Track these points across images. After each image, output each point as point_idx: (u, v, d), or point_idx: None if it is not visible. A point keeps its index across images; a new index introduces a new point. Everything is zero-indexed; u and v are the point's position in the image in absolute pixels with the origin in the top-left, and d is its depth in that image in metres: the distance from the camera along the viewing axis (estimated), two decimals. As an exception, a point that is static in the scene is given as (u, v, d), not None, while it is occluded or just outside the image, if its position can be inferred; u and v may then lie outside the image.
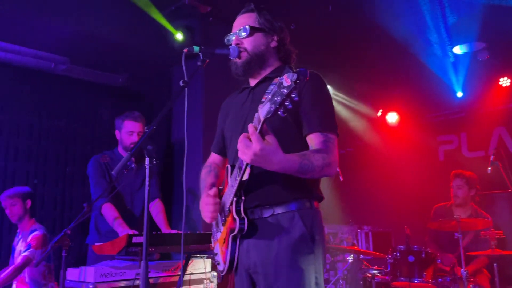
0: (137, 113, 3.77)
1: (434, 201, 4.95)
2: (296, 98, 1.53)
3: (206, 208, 2.05)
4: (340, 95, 6.39)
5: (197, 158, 4.65)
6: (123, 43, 4.48)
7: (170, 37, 4.43)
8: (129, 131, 3.73)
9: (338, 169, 4.35)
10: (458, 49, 5.51)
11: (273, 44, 2.14)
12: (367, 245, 6.15)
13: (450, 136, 6.89)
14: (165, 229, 3.70)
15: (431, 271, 4.00)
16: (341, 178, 4.46)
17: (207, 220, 2.07)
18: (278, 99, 1.54)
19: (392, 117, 7.01)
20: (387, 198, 6.57)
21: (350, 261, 4.64)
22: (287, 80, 1.51)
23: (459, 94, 6.34)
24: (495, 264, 3.99)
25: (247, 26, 2.10)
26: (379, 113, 7.03)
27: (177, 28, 4.38)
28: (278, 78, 1.56)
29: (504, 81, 6.08)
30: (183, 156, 4.76)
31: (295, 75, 1.50)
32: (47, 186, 4.88)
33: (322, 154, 1.85)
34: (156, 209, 3.84)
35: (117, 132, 3.82)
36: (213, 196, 2.04)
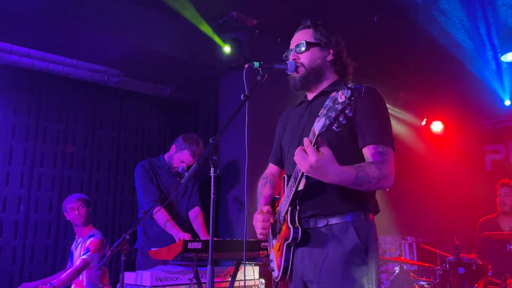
0: (199, 150, 3.95)
1: (480, 211, 4.86)
2: (350, 114, 1.57)
3: (257, 224, 2.14)
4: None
5: (241, 171, 4.77)
6: (172, 56, 4.65)
7: (217, 49, 4.56)
8: (182, 160, 3.97)
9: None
10: (507, 57, 5.40)
11: (330, 57, 2.20)
12: (411, 256, 6.05)
13: (497, 145, 6.73)
14: (203, 234, 3.86)
15: (482, 284, 3.92)
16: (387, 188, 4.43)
17: (258, 236, 2.15)
18: (333, 114, 1.59)
19: (437, 126, 6.90)
20: (432, 209, 6.46)
21: (397, 272, 4.59)
22: (341, 96, 1.56)
23: (507, 102, 6.18)
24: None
25: (303, 42, 2.18)
26: (424, 122, 6.94)
27: (224, 40, 4.51)
28: (334, 93, 1.61)
29: (556, 89, 5.89)
30: (228, 167, 4.89)
31: (349, 92, 1.54)
32: (99, 193, 5.10)
33: (378, 165, 1.88)
34: (195, 215, 4.01)
35: (173, 147, 4.03)
36: (266, 213, 2.12)
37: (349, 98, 1.54)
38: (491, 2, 4.36)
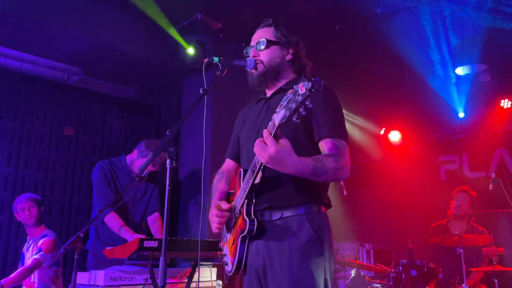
0: (160, 158, 3.84)
1: (435, 219, 5.02)
2: (310, 105, 1.61)
3: (213, 219, 2.13)
4: (344, 111, 6.51)
5: (204, 169, 4.74)
6: (135, 56, 4.61)
7: (181, 51, 4.56)
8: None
9: (342, 183, 4.45)
10: (460, 70, 5.65)
11: (289, 57, 2.25)
12: (368, 262, 6.18)
13: (452, 156, 6.98)
14: (160, 237, 3.80)
15: (433, 285, 4.05)
16: (345, 193, 4.54)
17: (213, 230, 2.13)
18: (293, 105, 1.61)
19: (395, 136, 7.12)
20: (389, 216, 6.63)
21: (353, 275, 4.69)
22: (302, 88, 1.59)
23: (461, 114, 6.45)
24: (495, 280, 4.05)
25: (264, 40, 2.22)
26: (382, 131, 7.14)
27: (188, 42, 4.52)
28: (295, 86, 1.64)
29: (505, 103, 6.19)
30: (188, 167, 4.87)
31: (310, 84, 1.58)
32: (55, 194, 4.96)
33: (335, 157, 1.92)
34: (153, 220, 3.95)
35: (135, 152, 3.96)
36: (223, 208, 2.11)
37: (310, 90, 1.57)
38: (446, 17, 4.57)
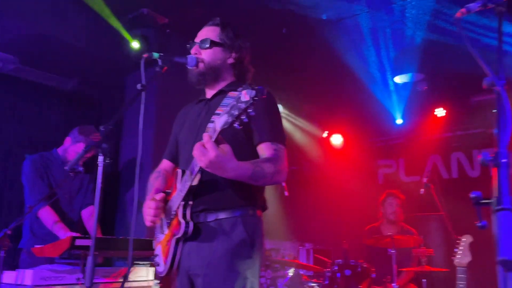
0: (95, 143, 3.71)
1: (372, 221, 5.22)
2: (253, 113, 1.63)
3: (147, 211, 2.11)
4: (288, 113, 6.63)
5: (146, 167, 4.66)
6: (76, 47, 4.45)
7: (126, 44, 4.46)
8: (78, 152, 3.69)
9: (284, 184, 4.52)
10: (398, 79, 5.91)
11: (230, 60, 2.25)
12: (308, 262, 6.32)
13: (389, 160, 7.28)
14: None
15: (366, 285, 4.21)
16: (286, 193, 4.61)
17: (146, 223, 2.12)
18: (235, 112, 1.62)
19: (337, 139, 7.32)
20: (328, 217, 6.81)
21: (290, 275, 4.77)
22: (245, 96, 1.61)
23: (399, 121, 6.74)
24: (424, 280, 4.26)
25: (208, 39, 2.21)
26: (325, 134, 7.32)
27: (133, 36, 4.42)
28: (237, 93, 1.65)
29: (440, 112, 6.53)
30: (129, 165, 4.76)
31: (253, 92, 1.60)
32: (-16, 189, 4.69)
33: (273, 162, 1.96)
34: (89, 215, 3.83)
35: (68, 140, 3.80)
36: (157, 200, 2.09)
37: (253, 98, 1.59)
38: (387, 27, 4.77)
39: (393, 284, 4.09)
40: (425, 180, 4.47)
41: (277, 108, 2.18)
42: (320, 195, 6.98)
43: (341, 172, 7.15)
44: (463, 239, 3.48)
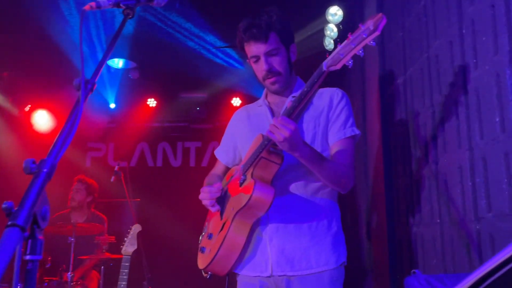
0: None
1: (64, 205, 4.94)
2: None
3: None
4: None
5: None
6: None
7: None
8: None
9: None
10: (112, 63, 5.80)
11: None
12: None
13: (99, 144, 7.12)
14: None
15: (37, 275, 3.94)
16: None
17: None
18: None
19: (42, 117, 6.62)
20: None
21: None
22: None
23: (112, 105, 6.65)
24: (102, 267, 4.28)
25: None
26: (27, 109, 6.57)
27: None
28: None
29: (151, 102, 6.75)
30: None
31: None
32: None
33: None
34: None
35: None
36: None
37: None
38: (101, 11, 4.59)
39: (68, 273, 3.97)
40: (116, 168, 4.49)
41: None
42: None
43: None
44: (133, 228, 3.63)
